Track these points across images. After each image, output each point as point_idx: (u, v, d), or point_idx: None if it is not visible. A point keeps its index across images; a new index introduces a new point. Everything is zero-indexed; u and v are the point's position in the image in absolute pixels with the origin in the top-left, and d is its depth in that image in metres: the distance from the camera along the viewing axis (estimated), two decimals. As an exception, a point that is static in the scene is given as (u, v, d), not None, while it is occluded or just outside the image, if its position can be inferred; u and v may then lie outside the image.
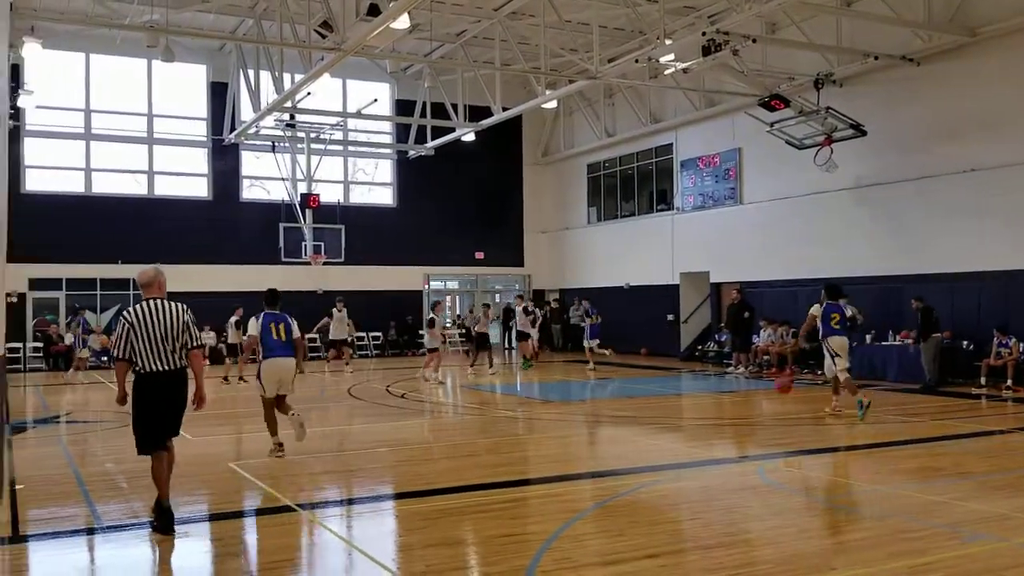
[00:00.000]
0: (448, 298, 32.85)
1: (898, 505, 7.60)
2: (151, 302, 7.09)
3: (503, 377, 21.13)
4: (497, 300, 32.22)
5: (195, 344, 7.11)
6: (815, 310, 13.21)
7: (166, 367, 6.98)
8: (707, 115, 24.88)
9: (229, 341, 20.31)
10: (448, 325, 31.17)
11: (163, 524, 6.94)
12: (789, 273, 21.98)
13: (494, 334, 29.25)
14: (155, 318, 6.99)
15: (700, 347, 25.10)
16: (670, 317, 26.50)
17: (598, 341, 22.37)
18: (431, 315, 20.21)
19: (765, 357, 21.17)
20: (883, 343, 19.14)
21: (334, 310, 22.41)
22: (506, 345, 30.60)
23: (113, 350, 7.23)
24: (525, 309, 24.01)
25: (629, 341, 27.49)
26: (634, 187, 28.53)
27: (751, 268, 23.32)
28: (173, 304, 7.12)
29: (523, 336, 23.84)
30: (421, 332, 23.59)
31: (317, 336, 25.12)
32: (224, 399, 17.13)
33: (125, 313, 7.13)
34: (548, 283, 32.27)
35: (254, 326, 10.06)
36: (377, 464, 10.07)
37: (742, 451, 10.84)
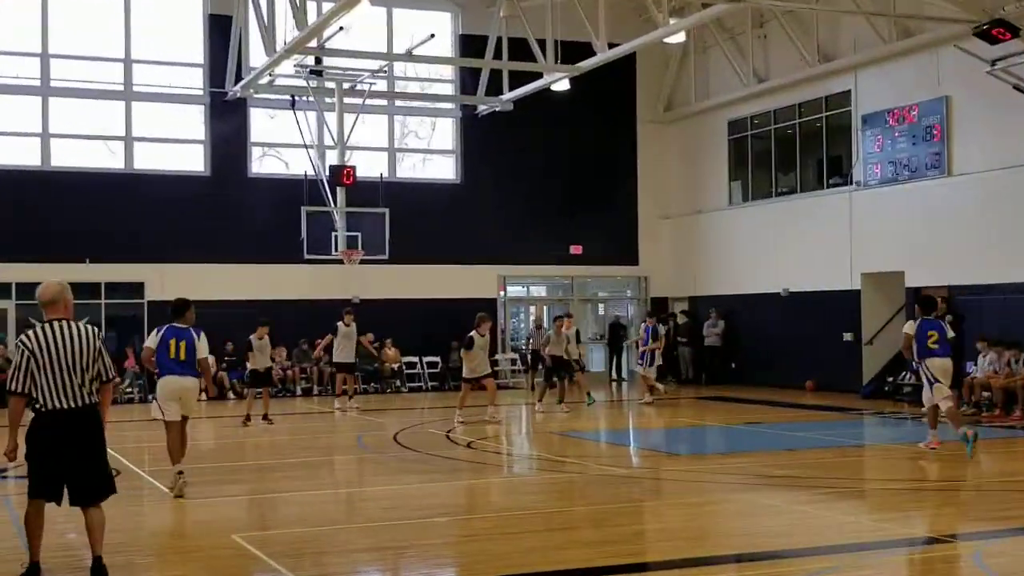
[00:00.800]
0: (534, 309, 32.78)
1: None
2: (55, 324, 7.68)
3: (607, 419, 21.10)
4: (601, 312, 32.20)
5: (109, 376, 7.81)
6: (909, 328, 14.24)
7: (73, 404, 7.57)
8: (899, 50, 24.48)
9: (251, 367, 20.50)
10: (525, 347, 31.29)
11: None
12: (1022, 274, 21.51)
13: (597, 359, 29.24)
14: (62, 344, 7.57)
15: (891, 379, 24.69)
16: (848, 337, 26.13)
17: (656, 369, 24.03)
18: (471, 333, 20.22)
19: (985, 393, 20.74)
20: None
21: (340, 324, 22.67)
22: (613, 375, 30.62)
23: (9, 383, 7.69)
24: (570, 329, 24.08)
25: (789, 371, 27.17)
26: (795, 153, 28.26)
27: (964, 267, 22.85)
28: (83, 327, 7.75)
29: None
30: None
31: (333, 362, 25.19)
32: (238, 447, 17.51)
33: (23, 337, 7.70)
34: (672, 289, 32.12)
35: (152, 339, 12.10)
36: (434, 539, 10.18)
37: (951, 528, 10.67)
